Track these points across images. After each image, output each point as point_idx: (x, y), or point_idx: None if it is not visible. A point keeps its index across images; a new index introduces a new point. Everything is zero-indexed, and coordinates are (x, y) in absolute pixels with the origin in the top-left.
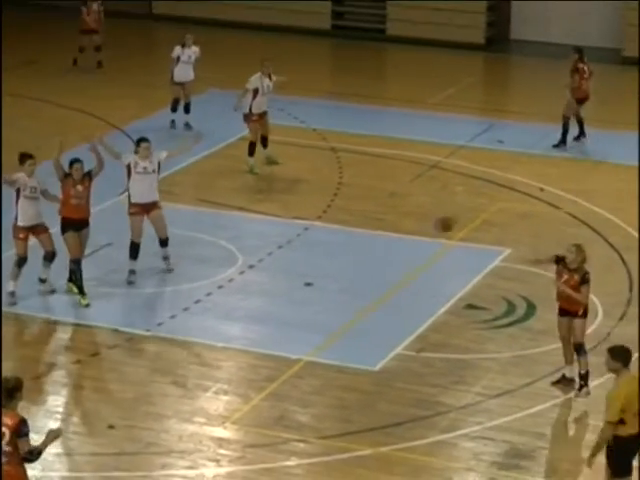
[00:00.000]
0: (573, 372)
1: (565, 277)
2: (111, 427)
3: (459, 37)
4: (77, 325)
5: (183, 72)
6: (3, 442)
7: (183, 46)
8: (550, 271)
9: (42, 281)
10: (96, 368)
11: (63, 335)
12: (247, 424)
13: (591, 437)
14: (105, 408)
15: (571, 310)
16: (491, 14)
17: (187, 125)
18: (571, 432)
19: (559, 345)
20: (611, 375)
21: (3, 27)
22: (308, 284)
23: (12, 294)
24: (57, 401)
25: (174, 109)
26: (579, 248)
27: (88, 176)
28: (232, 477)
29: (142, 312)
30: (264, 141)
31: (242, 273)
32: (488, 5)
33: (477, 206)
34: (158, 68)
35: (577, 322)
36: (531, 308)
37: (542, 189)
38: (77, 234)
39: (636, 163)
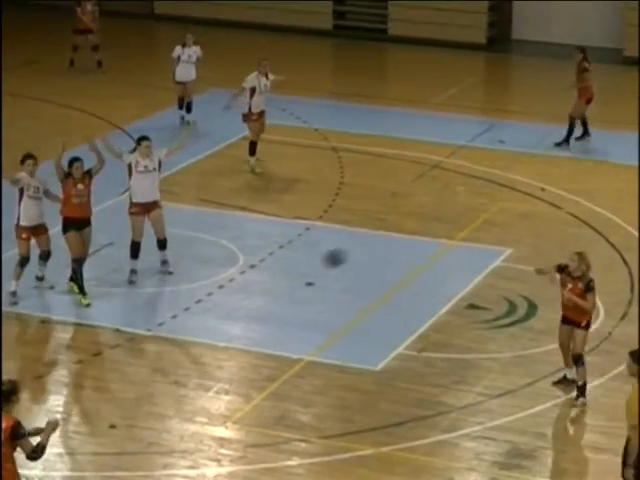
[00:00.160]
0: (573, 374)
1: (569, 286)
2: (112, 427)
3: (460, 37)
4: (78, 325)
5: (184, 72)
6: None
7: (184, 46)
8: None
9: (39, 279)
10: (97, 368)
11: (64, 335)
12: (248, 424)
13: (592, 437)
14: (106, 408)
15: (575, 320)
16: (492, 14)
17: (187, 122)
18: (572, 432)
19: None
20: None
21: (3, 27)
22: (309, 284)
23: (14, 294)
24: (58, 401)
25: (180, 107)
26: (581, 256)
27: (88, 175)
28: (233, 477)
29: (143, 312)
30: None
31: (243, 273)
32: (489, 5)
33: (478, 206)
34: (159, 68)
35: (579, 333)
36: (532, 308)
37: (543, 189)
38: (79, 233)
39: (637, 163)
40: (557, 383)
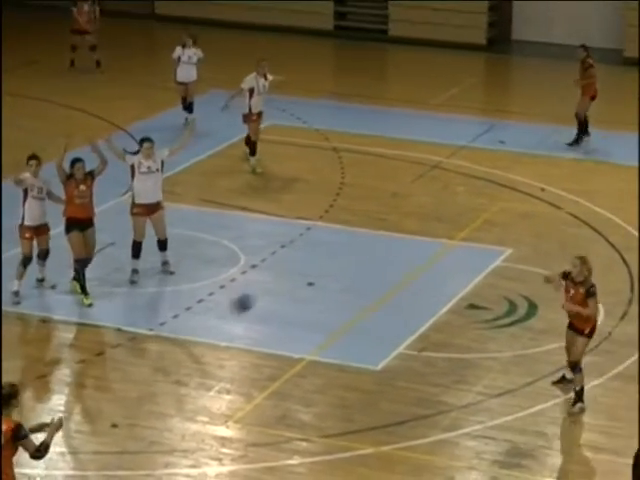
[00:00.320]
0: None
1: (571, 292)
2: (114, 426)
3: (461, 38)
4: (80, 325)
5: (185, 72)
6: None
7: (184, 47)
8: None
9: (40, 281)
10: (99, 367)
11: (66, 334)
12: (250, 423)
13: (591, 436)
14: (108, 407)
15: (578, 327)
16: (492, 14)
17: (187, 122)
18: (571, 431)
19: (560, 345)
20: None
21: (4, 28)
22: (310, 284)
23: (16, 293)
24: (61, 400)
25: (184, 107)
26: (583, 260)
27: (90, 175)
28: (234, 476)
29: (145, 312)
30: (249, 143)
31: (244, 273)
32: (489, 5)
33: (478, 206)
34: (160, 68)
35: (579, 340)
36: (532, 308)
37: (543, 189)
38: (81, 234)
39: (637, 163)
40: (556, 383)
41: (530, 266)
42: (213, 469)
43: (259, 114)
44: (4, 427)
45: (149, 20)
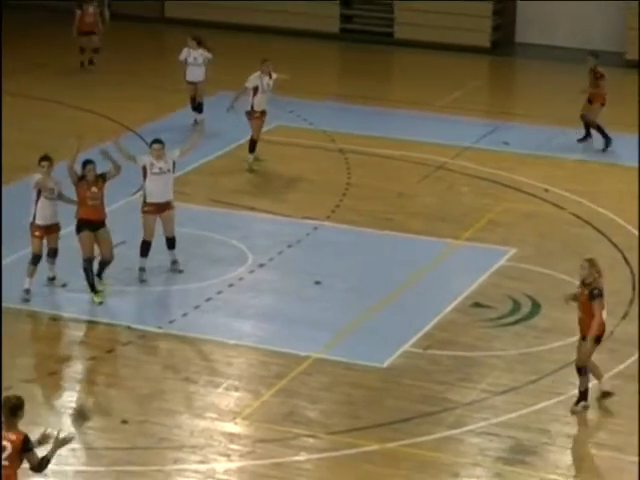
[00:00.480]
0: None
1: (578, 291)
2: (125, 422)
3: (465, 40)
4: (91, 322)
5: (192, 73)
6: (3, 455)
7: (189, 49)
8: (556, 270)
9: (50, 279)
10: (110, 364)
11: (77, 332)
12: (257, 420)
13: (594, 434)
14: (119, 404)
15: (581, 332)
16: (496, 17)
17: (196, 122)
18: (575, 429)
19: (564, 343)
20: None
21: (12, 31)
22: (317, 283)
23: (27, 291)
24: (72, 396)
25: (193, 107)
26: (592, 263)
27: (102, 178)
28: (242, 472)
29: (154, 310)
30: (252, 144)
31: (252, 272)
32: (494, 9)
33: (483, 206)
34: (170, 71)
35: (583, 344)
36: (536, 307)
37: (547, 190)
38: (92, 234)
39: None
40: (600, 398)
41: (534, 266)
42: (221, 465)
43: (262, 112)
44: (14, 437)
45: (158, 23)
